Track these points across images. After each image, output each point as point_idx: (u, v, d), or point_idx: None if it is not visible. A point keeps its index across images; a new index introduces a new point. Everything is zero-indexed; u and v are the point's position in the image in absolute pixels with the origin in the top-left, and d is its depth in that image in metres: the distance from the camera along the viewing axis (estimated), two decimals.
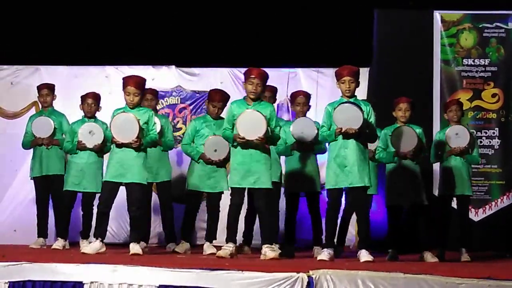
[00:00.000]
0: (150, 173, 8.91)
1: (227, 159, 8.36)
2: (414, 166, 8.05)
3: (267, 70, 10.20)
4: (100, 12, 10.62)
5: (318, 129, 8.20)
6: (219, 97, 8.63)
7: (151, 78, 10.59)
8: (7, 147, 10.41)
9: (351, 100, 7.44)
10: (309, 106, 8.65)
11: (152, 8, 10.72)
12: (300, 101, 8.56)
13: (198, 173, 8.49)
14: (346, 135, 7.27)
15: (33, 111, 10.40)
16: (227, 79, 10.56)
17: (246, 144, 7.39)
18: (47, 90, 9.26)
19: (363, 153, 7.36)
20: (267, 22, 10.47)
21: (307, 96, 8.69)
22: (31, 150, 9.34)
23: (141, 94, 7.86)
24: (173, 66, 10.68)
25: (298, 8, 10.53)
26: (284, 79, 10.44)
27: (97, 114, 8.85)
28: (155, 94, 9.28)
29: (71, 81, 10.18)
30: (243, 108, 7.49)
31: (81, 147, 8.57)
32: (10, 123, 10.56)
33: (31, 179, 9.27)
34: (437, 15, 10.22)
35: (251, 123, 7.36)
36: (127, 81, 7.82)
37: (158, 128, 8.59)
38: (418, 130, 8.15)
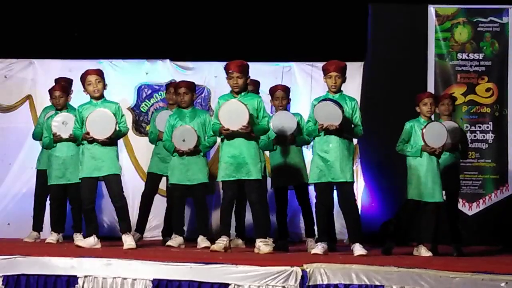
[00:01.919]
0: (163, 165, 8.90)
1: (197, 147, 8.32)
2: (437, 162, 7.99)
3: (261, 64, 10.28)
4: (95, 5, 10.59)
5: (298, 122, 8.22)
6: (180, 85, 8.65)
7: (146, 72, 10.62)
8: (1, 140, 10.39)
9: (337, 95, 7.47)
10: (289, 100, 8.61)
11: (147, 1, 10.70)
12: (279, 95, 8.53)
13: (176, 167, 8.44)
14: (328, 131, 7.29)
15: (26, 104, 10.38)
16: (221, 73, 10.44)
17: (232, 135, 7.42)
18: (65, 83, 9.21)
19: (347, 149, 7.37)
20: (262, 16, 10.45)
21: (286, 90, 8.65)
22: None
23: (104, 81, 7.90)
24: (168, 60, 10.66)
25: (292, 2, 10.51)
26: (279, 74, 10.44)
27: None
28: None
29: (65, 75, 10.10)
30: None
31: (58, 139, 8.52)
32: (4, 116, 10.52)
33: (36, 170, 9.22)
34: (431, 9, 10.22)
35: (232, 113, 7.39)
36: (84, 73, 7.93)
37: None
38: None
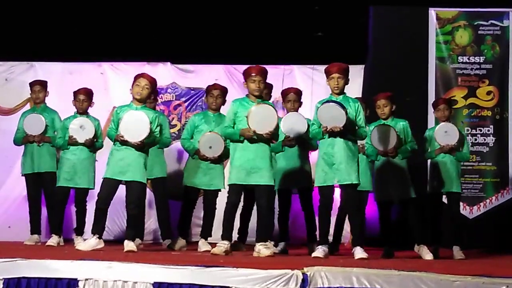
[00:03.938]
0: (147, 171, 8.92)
1: (222, 156, 8.36)
2: (401, 161, 8.05)
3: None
4: (96, 8, 10.60)
5: (309, 125, 8.20)
6: (216, 86, 8.67)
7: None
8: (1, 143, 10.38)
9: (340, 97, 7.45)
10: (301, 103, 8.62)
11: (148, 4, 10.70)
12: (291, 98, 8.53)
13: (194, 169, 8.48)
14: (332, 133, 7.28)
15: (27, 107, 10.38)
16: (222, 76, 10.56)
17: (254, 139, 7.41)
18: (39, 86, 9.26)
19: (351, 151, 7.35)
20: (262, 19, 10.46)
21: (298, 93, 8.66)
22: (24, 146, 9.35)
23: (150, 91, 7.81)
24: (169, 63, 10.68)
25: (293, 5, 10.52)
26: (279, 76, 10.44)
27: (90, 110, 8.86)
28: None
29: (66, 78, 10.17)
30: (246, 106, 7.50)
31: (73, 142, 8.56)
32: (5, 119, 10.54)
33: (22, 175, 9.27)
34: (432, 12, 10.23)
35: (263, 117, 7.37)
36: (139, 74, 7.85)
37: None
38: (403, 123, 8.16)
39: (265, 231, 7.50)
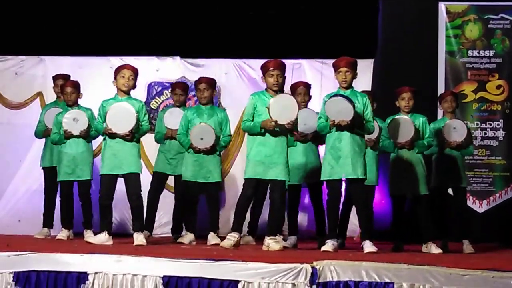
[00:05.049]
0: (169, 165, 8.94)
1: (214, 147, 8.34)
2: (416, 155, 8.04)
3: None
4: (105, 2, 10.61)
5: None
6: (200, 80, 8.63)
7: (156, 69, 10.64)
8: (12, 137, 10.42)
9: (348, 91, 7.46)
10: (310, 97, 8.62)
11: None
12: (301, 91, 8.52)
13: (191, 163, 8.44)
14: (340, 127, 7.28)
15: (37, 101, 10.42)
16: (231, 70, 10.56)
17: (275, 130, 7.40)
18: (62, 80, 9.27)
19: (358, 145, 7.35)
20: (271, 13, 10.45)
21: (307, 86, 8.65)
22: (37, 140, 9.37)
23: (135, 82, 7.87)
24: (178, 57, 10.67)
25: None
26: (288, 71, 10.37)
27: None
28: (186, 89, 9.33)
29: (76, 72, 10.15)
30: (265, 100, 7.49)
31: (68, 136, 8.56)
32: (15, 113, 10.57)
33: (41, 168, 9.29)
34: (442, 6, 10.20)
35: (283, 107, 7.37)
36: (121, 66, 7.96)
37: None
38: (422, 118, 8.15)
39: (276, 225, 7.51)
